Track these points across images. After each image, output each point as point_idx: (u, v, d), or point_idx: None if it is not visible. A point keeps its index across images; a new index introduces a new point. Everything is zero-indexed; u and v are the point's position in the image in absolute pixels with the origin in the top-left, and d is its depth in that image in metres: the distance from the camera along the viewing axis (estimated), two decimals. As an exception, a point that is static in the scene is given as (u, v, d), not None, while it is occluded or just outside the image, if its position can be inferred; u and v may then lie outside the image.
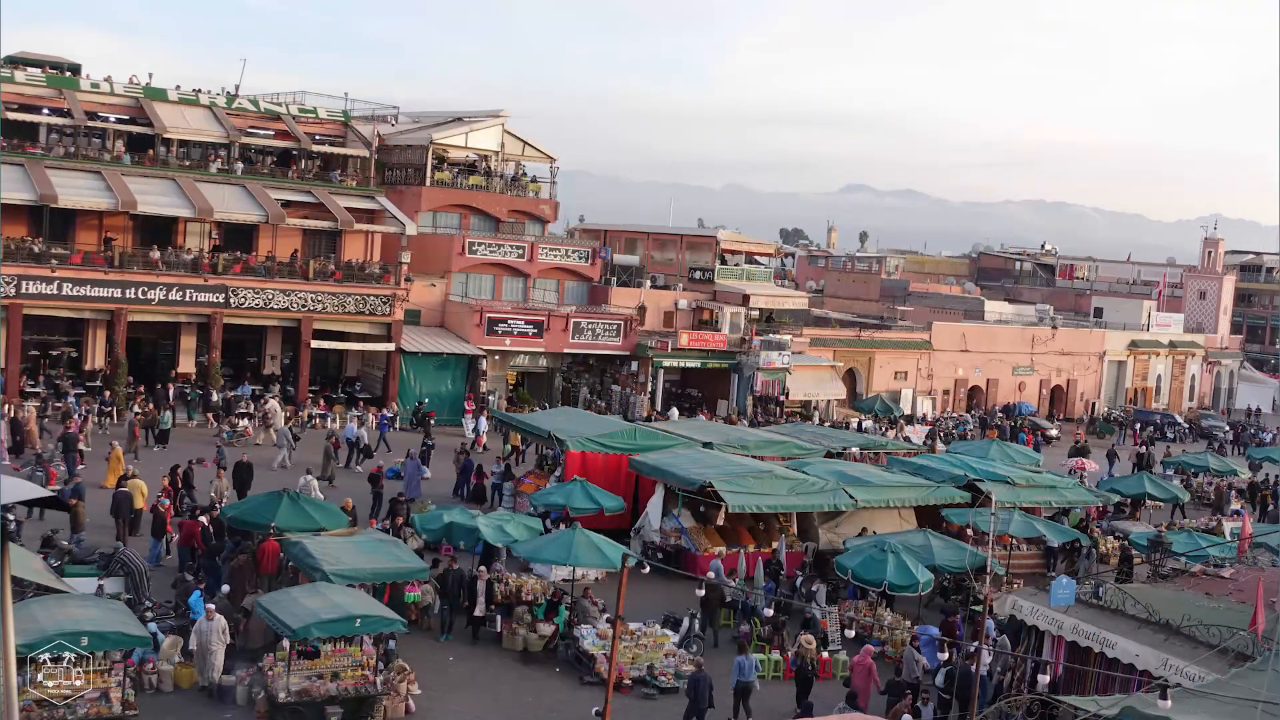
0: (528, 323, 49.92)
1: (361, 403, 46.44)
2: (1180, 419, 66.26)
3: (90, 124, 46.51)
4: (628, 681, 22.06)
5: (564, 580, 25.45)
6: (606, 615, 23.32)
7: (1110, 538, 33.67)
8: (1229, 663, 17.59)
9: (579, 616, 24.00)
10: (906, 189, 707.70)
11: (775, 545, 29.72)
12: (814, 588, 26.31)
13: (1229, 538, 32.25)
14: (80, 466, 32.84)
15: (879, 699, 21.12)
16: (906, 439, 46.86)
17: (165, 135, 46.96)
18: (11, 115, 44.58)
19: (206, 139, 48.34)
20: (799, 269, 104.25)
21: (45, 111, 46.20)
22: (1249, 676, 16.42)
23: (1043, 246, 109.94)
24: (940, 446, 44.81)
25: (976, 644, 19.86)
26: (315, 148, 50.90)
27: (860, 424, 51.76)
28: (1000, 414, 60.40)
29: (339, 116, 53.27)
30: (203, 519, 26.25)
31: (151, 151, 46.88)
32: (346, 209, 47.69)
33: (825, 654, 23.79)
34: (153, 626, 20.82)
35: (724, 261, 60.20)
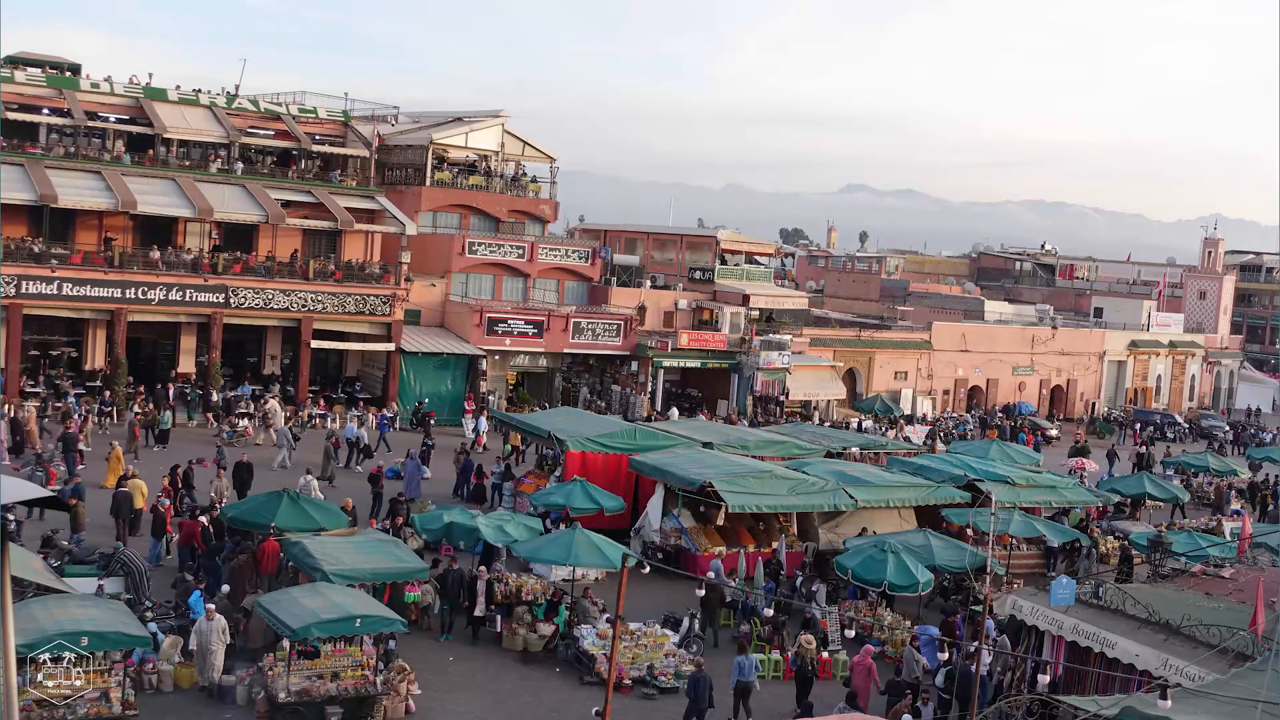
0: (528, 323, 49.93)
1: (361, 403, 46.45)
2: (1180, 419, 66.25)
3: (90, 124, 46.50)
4: (628, 681, 22.06)
5: (564, 580, 25.44)
6: (606, 615, 23.32)
7: (1110, 538, 33.66)
8: (1229, 663, 17.58)
9: (579, 616, 24.00)
10: (906, 189, 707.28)
11: (775, 545, 29.71)
12: (814, 588, 26.30)
13: (1229, 538, 32.25)
14: (80, 466, 32.84)
15: (879, 699, 21.12)
16: (906, 439, 46.88)
17: (165, 135, 46.96)
18: (11, 115, 44.58)
19: (206, 139, 48.33)
20: (799, 269, 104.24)
21: (45, 111, 46.19)
22: (1249, 676, 16.41)
23: (1043, 246, 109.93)
24: (940, 446, 44.80)
25: (976, 644, 19.84)
26: (315, 148, 50.90)
27: (860, 424, 51.78)
28: (1000, 414, 60.40)
29: (339, 116, 53.27)
30: (203, 519, 26.25)
31: (151, 151, 46.88)
32: (346, 209, 47.69)
33: (825, 654, 23.80)
34: (153, 626, 20.83)
35: (724, 261, 60.21)
